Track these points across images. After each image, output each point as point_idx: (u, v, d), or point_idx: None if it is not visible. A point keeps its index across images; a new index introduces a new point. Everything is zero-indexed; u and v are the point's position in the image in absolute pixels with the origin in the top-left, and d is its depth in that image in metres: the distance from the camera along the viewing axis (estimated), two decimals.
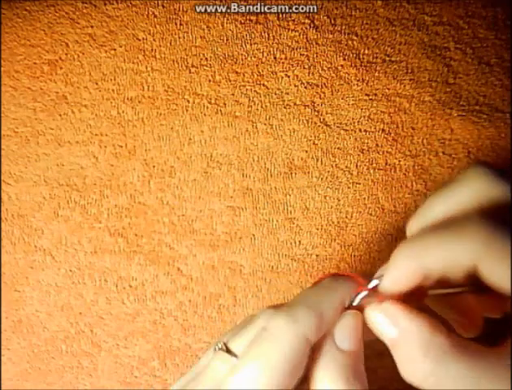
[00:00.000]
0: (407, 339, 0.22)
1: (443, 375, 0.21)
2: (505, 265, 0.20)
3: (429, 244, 0.22)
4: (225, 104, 0.38)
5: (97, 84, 0.39)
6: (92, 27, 0.40)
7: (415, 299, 0.24)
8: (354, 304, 0.24)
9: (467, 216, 0.22)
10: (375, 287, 0.24)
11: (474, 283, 0.23)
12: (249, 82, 0.38)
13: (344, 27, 0.38)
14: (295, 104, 0.38)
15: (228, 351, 0.23)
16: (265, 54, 0.39)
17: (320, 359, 0.23)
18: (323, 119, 0.38)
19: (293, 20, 0.39)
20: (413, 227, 0.25)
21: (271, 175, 0.38)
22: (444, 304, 0.25)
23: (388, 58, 0.38)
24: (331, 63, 0.38)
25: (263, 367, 0.22)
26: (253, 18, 0.39)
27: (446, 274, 0.22)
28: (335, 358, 0.23)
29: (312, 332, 0.22)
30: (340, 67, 0.38)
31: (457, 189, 0.23)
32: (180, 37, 0.39)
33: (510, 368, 0.19)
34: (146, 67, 0.39)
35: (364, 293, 0.24)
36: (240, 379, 0.22)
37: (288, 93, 0.38)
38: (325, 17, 0.38)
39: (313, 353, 0.23)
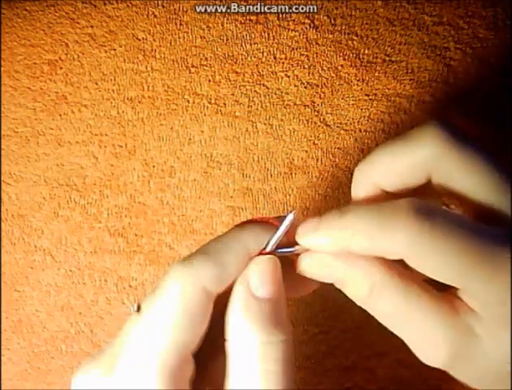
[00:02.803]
0: (350, 279, 0.22)
1: (383, 305, 0.21)
2: (464, 166, 0.21)
3: (386, 154, 0.22)
4: (225, 104, 0.38)
5: (97, 84, 0.39)
6: (92, 27, 0.40)
7: None
8: (268, 249, 0.22)
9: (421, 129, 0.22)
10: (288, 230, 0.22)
11: None
12: (249, 82, 0.38)
13: (344, 27, 0.38)
14: (295, 104, 0.38)
15: (139, 310, 0.22)
16: (265, 54, 0.39)
17: (232, 308, 0.21)
18: (323, 119, 0.38)
19: (293, 20, 0.39)
20: (359, 182, 0.24)
21: (271, 175, 0.38)
22: None
23: (388, 58, 0.38)
24: (331, 63, 0.38)
25: (159, 324, 0.21)
26: (253, 18, 0.39)
27: (402, 187, 0.22)
28: (249, 306, 0.21)
29: (211, 281, 0.21)
30: (340, 67, 0.38)
31: (410, 146, 0.23)
32: (180, 37, 0.39)
33: None
34: (146, 67, 0.39)
35: (279, 234, 0.22)
36: (140, 339, 0.21)
37: (288, 93, 0.38)
38: (325, 17, 0.38)
39: (225, 305, 0.22)
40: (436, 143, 0.21)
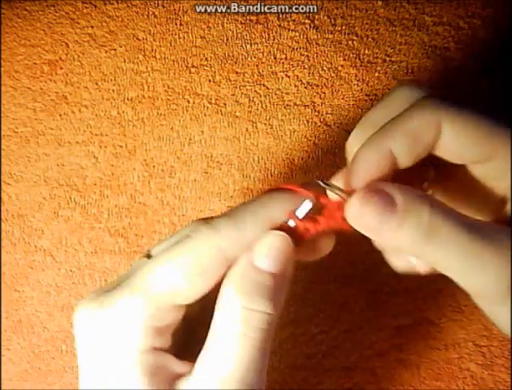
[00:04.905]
0: (407, 221, 0.20)
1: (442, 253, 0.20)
2: (466, 129, 0.21)
3: (391, 126, 0.22)
4: (225, 104, 0.38)
5: (97, 84, 0.39)
6: (92, 27, 0.40)
7: None
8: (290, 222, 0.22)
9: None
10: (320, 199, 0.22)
11: None
12: (249, 82, 0.38)
13: (344, 27, 0.38)
14: (295, 104, 0.38)
15: (150, 256, 0.23)
16: (265, 54, 0.39)
17: (231, 272, 0.22)
18: (323, 119, 0.38)
19: (293, 20, 0.39)
20: (355, 139, 0.24)
21: (271, 175, 0.38)
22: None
23: (388, 58, 0.38)
24: (331, 63, 0.38)
25: (164, 267, 0.21)
26: (253, 18, 0.39)
27: (412, 153, 0.22)
28: (246, 272, 0.21)
29: (228, 242, 0.21)
30: (340, 67, 0.38)
31: (390, 100, 0.23)
32: (180, 37, 0.39)
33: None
34: (146, 67, 0.39)
35: (307, 207, 0.22)
36: (154, 276, 0.21)
37: (288, 93, 0.38)
38: (325, 17, 0.38)
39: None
40: (435, 112, 0.22)
